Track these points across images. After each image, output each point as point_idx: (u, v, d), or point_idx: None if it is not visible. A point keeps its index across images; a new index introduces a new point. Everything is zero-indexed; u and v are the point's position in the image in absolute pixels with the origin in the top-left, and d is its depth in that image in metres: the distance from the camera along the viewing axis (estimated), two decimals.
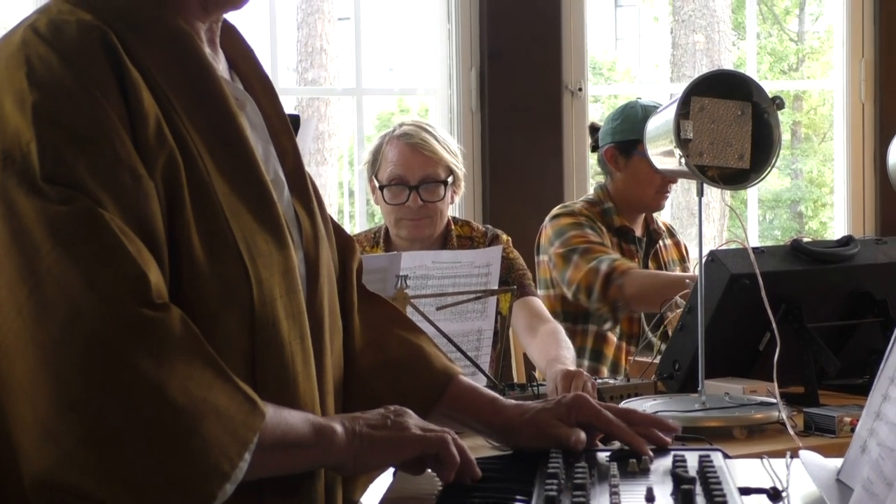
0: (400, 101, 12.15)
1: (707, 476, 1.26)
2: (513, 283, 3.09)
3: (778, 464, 1.45)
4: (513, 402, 1.63)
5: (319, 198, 1.57)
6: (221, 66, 1.47)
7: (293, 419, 1.31)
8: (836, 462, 1.39)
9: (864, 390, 2.70)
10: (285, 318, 1.35)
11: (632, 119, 3.53)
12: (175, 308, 1.25)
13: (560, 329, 3.09)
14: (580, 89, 4.59)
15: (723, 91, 2.47)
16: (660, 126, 2.52)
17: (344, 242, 1.64)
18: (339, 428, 1.33)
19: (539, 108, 4.57)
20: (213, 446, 1.20)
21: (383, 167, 3.18)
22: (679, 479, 1.23)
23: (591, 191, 4.47)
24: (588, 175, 4.67)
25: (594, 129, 3.66)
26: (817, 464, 1.40)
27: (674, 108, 2.43)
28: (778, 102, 2.47)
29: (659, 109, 2.58)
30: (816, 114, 14.27)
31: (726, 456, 1.46)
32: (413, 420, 1.38)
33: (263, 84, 1.52)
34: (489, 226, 3.34)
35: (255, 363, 1.32)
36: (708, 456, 1.35)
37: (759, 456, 1.61)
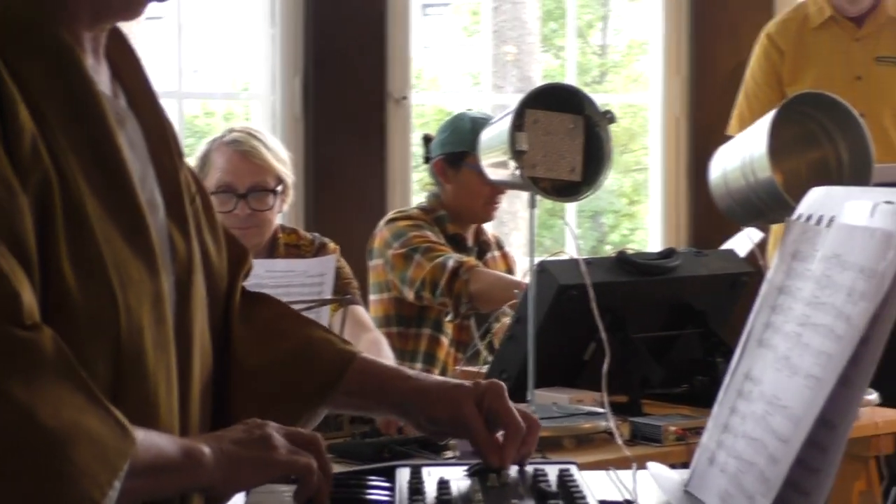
0: (204, 104, 11.95)
1: (570, 490, 1.27)
2: (337, 291, 3.07)
3: (624, 475, 1.47)
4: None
5: (210, 209, 1.52)
6: (103, 78, 1.41)
7: (162, 443, 1.27)
8: (683, 473, 1.42)
9: (684, 399, 2.79)
10: (152, 348, 1.31)
11: (461, 131, 3.55)
12: (47, 329, 1.20)
13: (382, 339, 3.09)
14: (404, 98, 4.60)
15: (556, 104, 2.50)
16: (494, 137, 2.54)
17: (237, 254, 1.59)
18: (206, 449, 1.30)
19: (363, 115, 4.57)
20: (85, 473, 1.15)
21: (211, 174, 3.13)
22: (543, 495, 1.24)
23: (413, 201, 4.48)
24: (411, 184, 4.69)
25: (427, 139, 3.67)
26: (664, 475, 1.42)
27: (508, 119, 2.45)
28: (609, 116, 2.52)
29: (492, 121, 2.60)
30: (618, 126, 14.60)
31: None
32: (278, 435, 1.35)
33: (149, 99, 1.46)
34: (317, 234, 3.31)
35: (118, 393, 1.28)
36: (567, 469, 1.36)
37: (598, 467, 1.63)
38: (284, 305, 1.66)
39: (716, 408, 1.38)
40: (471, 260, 3.42)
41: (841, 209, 1.25)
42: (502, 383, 1.52)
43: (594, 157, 2.53)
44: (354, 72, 4.54)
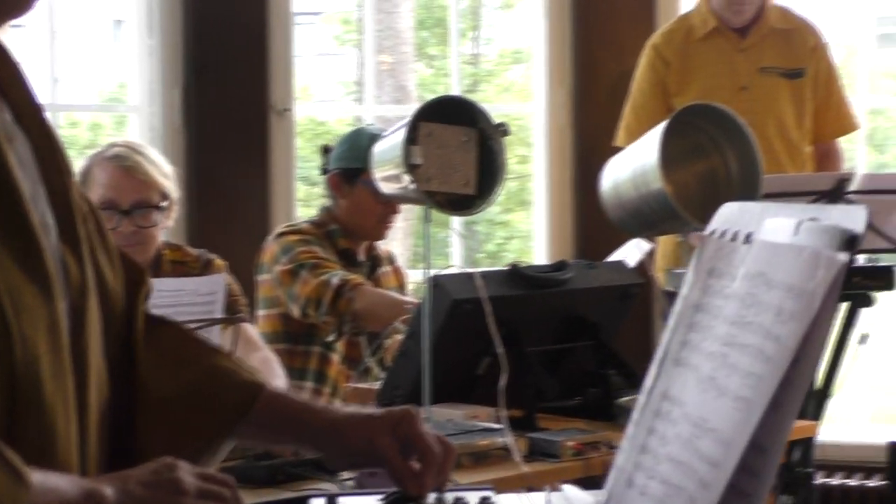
0: (68, 115, 11.71)
1: None
2: (227, 309, 3.00)
3: (537, 498, 1.44)
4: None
5: (103, 230, 1.45)
6: None
7: (61, 485, 1.20)
8: (597, 494, 1.39)
9: (578, 412, 2.78)
10: (49, 378, 1.24)
11: (358, 147, 3.50)
12: None
13: (273, 358, 3.03)
14: (287, 109, 4.54)
15: (449, 117, 2.47)
16: (387, 150, 2.50)
17: (134, 276, 1.52)
18: (108, 491, 1.23)
19: (245, 128, 4.50)
20: None
21: (93, 190, 3.03)
22: None
23: (298, 214, 4.42)
24: (295, 197, 4.62)
25: (326, 150, 3.61)
26: (579, 497, 1.40)
27: (402, 132, 2.41)
28: (503, 129, 2.49)
29: (385, 134, 2.56)
30: None
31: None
32: (188, 477, 1.28)
33: (35, 113, 1.38)
34: (203, 250, 3.23)
35: (14, 427, 1.21)
36: (488, 497, 1.33)
37: (503, 485, 1.60)
38: (187, 330, 1.60)
39: (631, 428, 1.35)
40: (356, 278, 3.37)
41: (759, 225, 1.23)
42: (416, 410, 1.50)
43: (488, 170, 2.51)
44: (236, 83, 4.47)
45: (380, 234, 3.57)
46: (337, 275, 3.32)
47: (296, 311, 3.37)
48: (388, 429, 1.46)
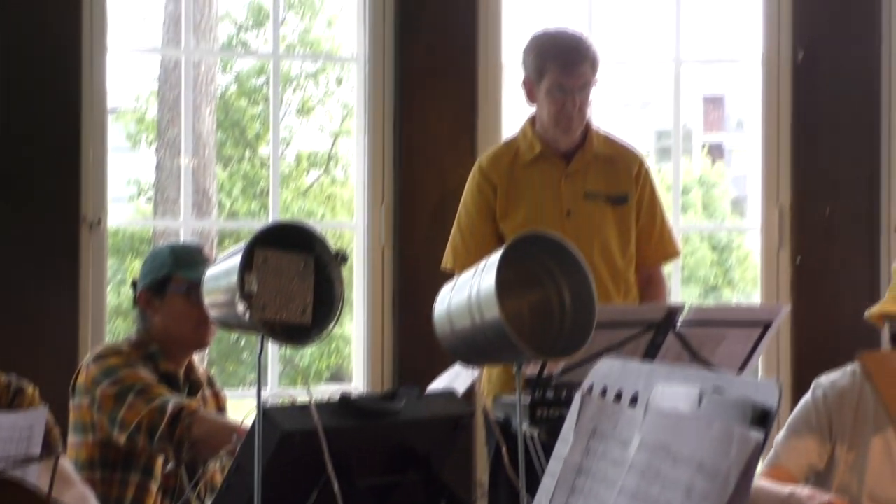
0: None
1: None
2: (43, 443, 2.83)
3: None
4: None
5: None
6: None
7: None
8: None
9: None
10: None
11: (160, 258, 3.41)
12: None
13: (89, 495, 2.89)
14: (99, 221, 4.38)
15: (286, 243, 2.40)
16: (220, 276, 2.40)
17: None
18: None
19: (54, 240, 4.32)
20: None
21: None
22: None
23: (109, 333, 4.25)
24: (106, 312, 4.45)
25: (135, 284, 3.48)
26: None
27: (237, 259, 2.32)
28: (341, 257, 2.43)
29: (219, 259, 2.47)
30: None
31: None
32: None
33: None
34: (13, 375, 3.05)
35: None
36: None
37: None
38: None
39: None
40: (192, 403, 3.22)
41: (646, 387, 1.18)
42: None
43: (325, 299, 2.44)
44: (46, 194, 4.30)
45: (202, 339, 3.44)
46: (171, 400, 3.18)
47: (121, 438, 3.19)
48: None
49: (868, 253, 4.81)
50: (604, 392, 1.26)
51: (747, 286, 25.55)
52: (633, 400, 1.19)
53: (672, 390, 1.11)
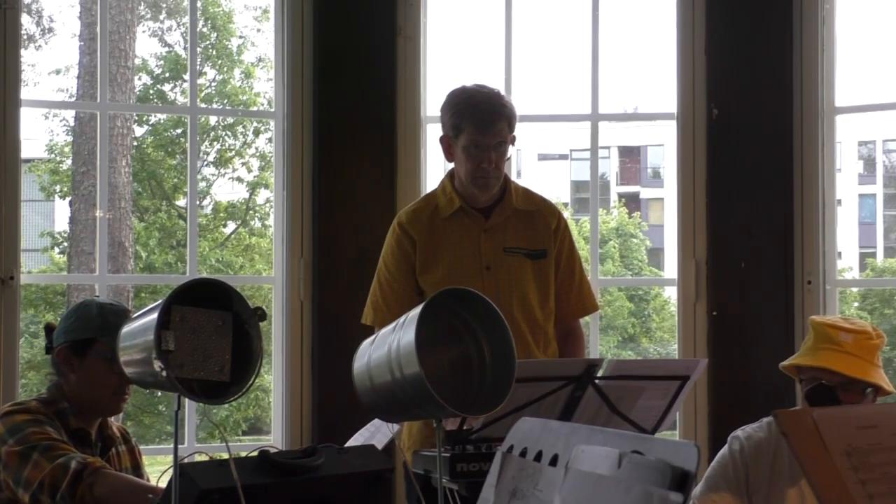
0: None
1: None
2: None
3: None
4: None
5: None
6: None
7: None
8: None
9: None
10: None
11: (86, 317, 3.33)
12: None
13: None
14: (11, 278, 4.31)
15: (204, 299, 2.38)
16: (136, 333, 2.38)
17: None
18: None
19: None
20: None
21: None
22: None
23: (20, 391, 4.18)
24: (18, 368, 4.37)
25: (49, 329, 3.42)
26: None
27: (154, 316, 2.30)
28: (260, 314, 2.42)
29: (135, 315, 2.44)
30: None
31: None
32: None
33: None
34: None
35: None
36: None
37: None
38: None
39: None
40: (97, 461, 3.16)
41: (565, 448, 1.18)
42: None
43: (243, 356, 2.42)
44: None
45: (115, 406, 3.39)
46: (75, 457, 3.12)
47: (25, 498, 3.13)
48: None
49: (783, 306, 4.87)
50: (524, 452, 1.27)
51: (664, 335, 25.78)
52: (553, 461, 1.20)
53: (592, 451, 1.11)
